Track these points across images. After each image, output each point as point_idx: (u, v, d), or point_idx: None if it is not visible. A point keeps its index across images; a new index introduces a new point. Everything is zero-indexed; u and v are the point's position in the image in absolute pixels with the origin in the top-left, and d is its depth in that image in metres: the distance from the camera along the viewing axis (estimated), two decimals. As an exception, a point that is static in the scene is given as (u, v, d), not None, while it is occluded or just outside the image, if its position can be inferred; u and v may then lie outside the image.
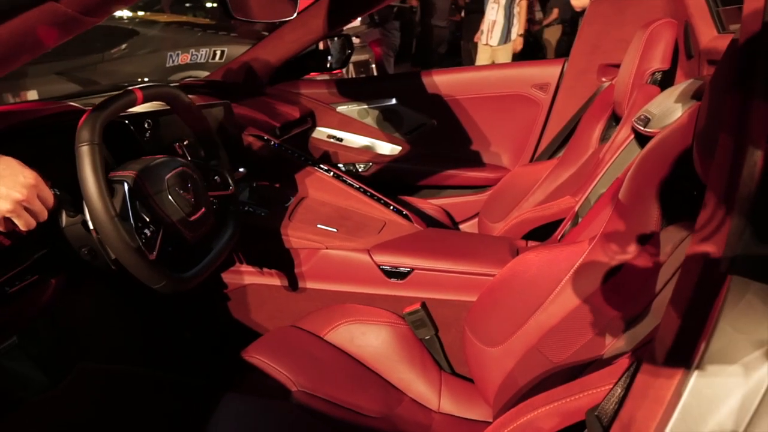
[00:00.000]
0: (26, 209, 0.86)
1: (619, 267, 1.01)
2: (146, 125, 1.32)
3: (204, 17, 5.40)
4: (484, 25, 5.63)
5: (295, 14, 1.40)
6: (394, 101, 2.32)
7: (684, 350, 0.53)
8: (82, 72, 4.38)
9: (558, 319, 1.11)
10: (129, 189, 1.02)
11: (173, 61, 4.16)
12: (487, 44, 5.63)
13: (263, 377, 1.24)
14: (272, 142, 1.67)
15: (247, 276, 1.55)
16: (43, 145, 1.07)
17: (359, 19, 6.28)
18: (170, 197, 1.07)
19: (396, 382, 1.35)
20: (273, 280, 1.52)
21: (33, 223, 0.88)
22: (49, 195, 0.90)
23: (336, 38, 2.51)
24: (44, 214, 0.89)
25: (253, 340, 1.35)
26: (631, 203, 1.04)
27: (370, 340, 1.38)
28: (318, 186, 1.61)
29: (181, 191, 1.10)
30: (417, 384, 1.35)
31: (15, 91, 4.69)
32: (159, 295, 1.05)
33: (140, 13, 5.04)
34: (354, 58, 4.74)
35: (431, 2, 6.46)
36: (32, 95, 4.58)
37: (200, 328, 1.67)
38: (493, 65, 2.65)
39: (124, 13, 5.16)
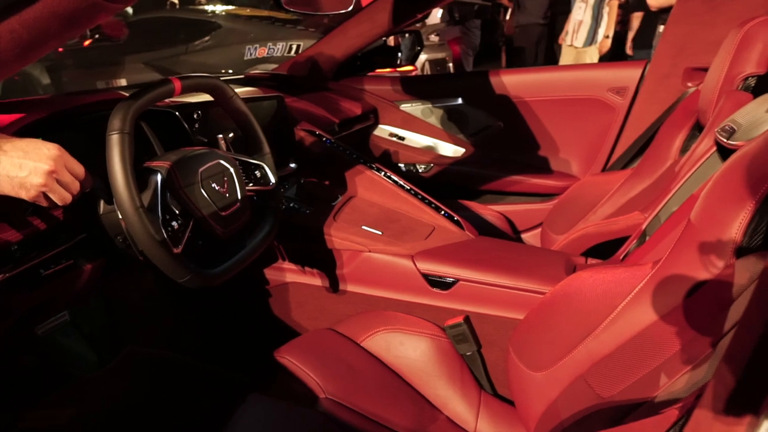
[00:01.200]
0: (57, 182, 0.85)
1: (684, 298, 0.89)
2: (195, 116, 1.31)
3: (285, 12, 5.48)
4: (570, 26, 5.39)
5: (351, 6, 1.35)
6: (459, 101, 2.23)
7: (753, 393, 0.43)
8: (166, 63, 4.56)
9: (610, 349, 0.99)
10: (162, 180, 1.00)
11: (251, 54, 4.24)
12: (571, 45, 5.38)
13: (292, 380, 1.20)
14: (324, 138, 1.63)
15: (288, 274, 1.51)
16: (84, 133, 1.07)
17: (438, 16, 6.19)
18: (202, 190, 1.04)
19: (432, 399, 1.27)
20: (314, 279, 1.48)
21: (68, 197, 0.87)
22: (76, 165, 0.88)
23: (407, 34, 2.45)
24: (76, 185, 0.88)
25: (290, 338, 1.32)
26: (704, 226, 0.91)
27: (407, 351, 1.31)
28: (368, 185, 1.55)
29: (215, 185, 1.07)
30: (454, 402, 1.27)
31: (107, 79, 4.96)
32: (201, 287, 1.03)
33: (226, 7, 5.19)
34: (430, 56, 4.67)
35: None
36: (122, 83, 4.82)
37: (240, 322, 1.66)
38: (566, 66, 2.50)
39: (210, 7, 5.34)
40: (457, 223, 1.49)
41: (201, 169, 1.05)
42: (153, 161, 1.04)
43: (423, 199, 1.53)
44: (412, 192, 1.54)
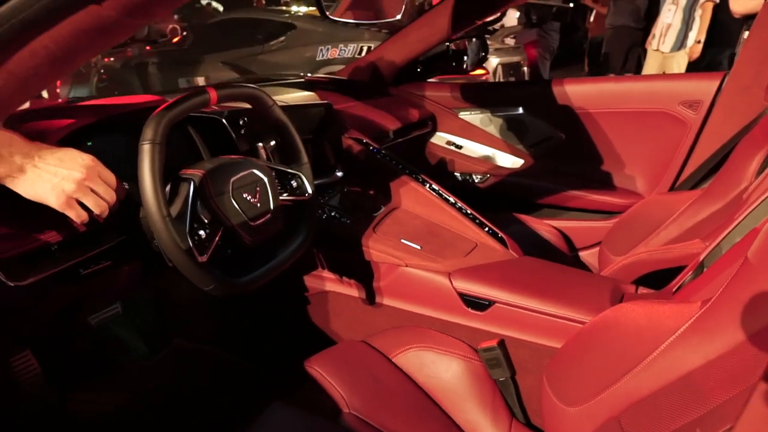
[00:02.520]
0: (91, 190, 0.89)
1: (734, 344, 0.80)
2: (241, 122, 1.33)
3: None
4: (657, 29, 5.10)
5: (400, 15, 1.32)
6: (520, 110, 2.15)
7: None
8: (243, 62, 4.71)
9: (649, 390, 0.92)
10: (194, 188, 1.01)
11: (323, 55, 4.30)
12: (657, 50, 5.09)
13: (318, 391, 1.19)
14: (372, 147, 1.61)
15: (327, 282, 1.51)
16: (128, 138, 1.11)
17: (516, 18, 6.04)
18: (233, 200, 1.05)
19: (461, 423, 1.23)
20: (351, 290, 1.47)
21: (103, 204, 0.90)
22: (109, 175, 0.92)
23: (474, 39, 2.40)
24: (110, 193, 0.92)
25: (324, 346, 1.31)
26: (763, 266, 0.82)
27: (439, 371, 1.27)
28: (412, 197, 1.52)
29: (246, 194, 1.07)
30: (484, 428, 1.22)
31: (189, 76, 5.19)
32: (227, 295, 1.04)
33: (303, 9, 5.30)
34: (504, 59, 4.57)
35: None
36: (201, 81, 5.03)
37: (281, 325, 1.68)
38: (634, 77, 2.35)
39: (288, 8, 5.47)
40: (501, 240, 1.44)
41: (233, 179, 1.06)
42: (188, 169, 1.06)
43: (467, 214, 1.48)
44: (457, 206, 1.50)
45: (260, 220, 1.09)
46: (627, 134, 1.98)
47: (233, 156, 1.14)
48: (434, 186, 1.55)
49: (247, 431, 1.06)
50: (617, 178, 2.05)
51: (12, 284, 0.93)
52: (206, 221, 1.02)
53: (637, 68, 5.67)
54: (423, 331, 1.34)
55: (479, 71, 4.49)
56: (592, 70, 6.47)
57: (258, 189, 1.10)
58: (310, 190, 1.23)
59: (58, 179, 0.85)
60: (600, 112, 2.00)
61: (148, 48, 5.40)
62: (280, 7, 5.70)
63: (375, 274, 1.42)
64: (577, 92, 2.02)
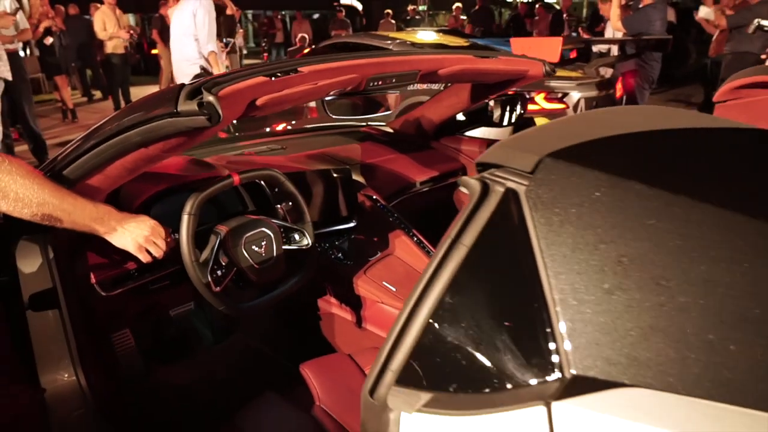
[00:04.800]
0: (153, 242, 1.42)
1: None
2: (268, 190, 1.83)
3: (463, 42, 5.87)
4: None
5: (396, 115, 1.71)
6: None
7: None
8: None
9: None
10: (220, 240, 1.52)
11: (414, 85, 4.73)
12: None
13: (303, 388, 1.65)
14: (379, 204, 2.04)
15: (333, 306, 1.98)
16: (179, 203, 1.63)
17: (614, 49, 6.04)
18: (244, 250, 1.55)
19: None
20: (346, 314, 1.92)
21: (160, 251, 1.43)
22: (164, 231, 1.43)
23: (508, 98, 2.72)
24: (163, 244, 1.43)
25: (325, 353, 1.75)
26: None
27: None
28: (403, 247, 1.94)
29: (255, 246, 1.57)
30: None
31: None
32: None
33: (405, 36, 5.74)
34: (585, 94, 4.69)
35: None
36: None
37: (304, 332, 2.16)
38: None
39: (395, 34, 5.94)
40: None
41: (246, 235, 1.56)
42: (221, 225, 1.57)
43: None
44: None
45: (264, 265, 1.58)
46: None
47: (253, 216, 1.64)
48: (422, 239, 1.95)
49: (242, 411, 1.54)
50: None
51: (104, 294, 1.50)
52: (224, 263, 1.52)
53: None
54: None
55: (559, 105, 4.69)
56: (711, 94, 6.28)
57: (264, 243, 1.59)
58: (309, 242, 1.70)
59: (134, 236, 1.39)
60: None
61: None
62: (386, 33, 6.19)
63: (362, 305, 1.86)
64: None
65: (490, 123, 2.76)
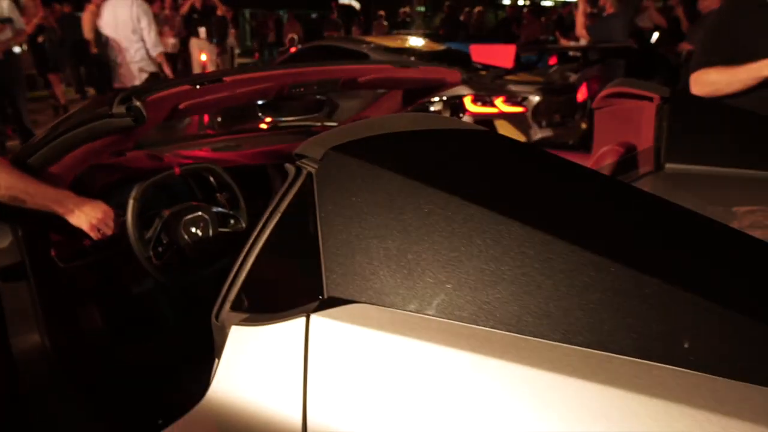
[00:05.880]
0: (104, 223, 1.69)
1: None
2: (211, 179, 2.11)
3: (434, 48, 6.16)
4: None
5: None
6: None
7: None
8: (320, 86, 5.54)
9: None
10: (162, 222, 1.80)
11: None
12: None
13: None
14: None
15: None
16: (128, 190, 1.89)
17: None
18: (182, 230, 1.83)
19: None
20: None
21: (109, 231, 1.71)
22: (114, 214, 1.70)
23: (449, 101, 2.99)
24: (112, 225, 1.71)
25: None
26: None
27: None
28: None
29: (193, 228, 1.85)
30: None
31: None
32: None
33: (380, 41, 6.03)
34: (542, 98, 4.96)
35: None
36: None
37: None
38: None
39: (370, 39, 6.23)
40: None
41: (186, 217, 1.84)
42: (166, 209, 1.84)
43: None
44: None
45: (200, 244, 1.86)
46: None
47: (195, 203, 1.92)
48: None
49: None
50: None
51: (63, 266, 1.79)
52: (164, 241, 1.80)
53: None
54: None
55: (517, 108, 4.96)
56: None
57: (201, 224, 1.87)
58: (244, 226, 1.98)
59: (88, 217, 1.67)
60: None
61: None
62: (362, 38, 6.48)
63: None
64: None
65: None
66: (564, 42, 8.26)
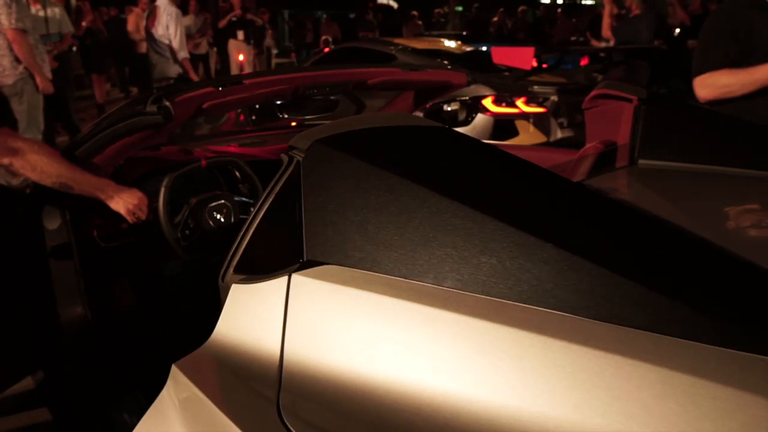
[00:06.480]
0: (140, 209, 1.94)
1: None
2: (236, 172, 2.34)
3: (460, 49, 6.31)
4: None
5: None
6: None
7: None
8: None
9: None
10: (189, 209, 2.03)
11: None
12: None
13: None
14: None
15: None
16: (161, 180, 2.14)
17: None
18: (207, 216, 2.05)
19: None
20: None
21: (143, 216, 1.95)
22: (146, 201, 1.95)
23: (458, 103, 3.17)
24: (146, 210, 1.95)
25: None
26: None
27: None
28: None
29: (216, 214, 2.07)
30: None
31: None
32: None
33: (410, 43, 6.21)
34: (563, 98, 5.06)
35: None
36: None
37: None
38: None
39: (399, 41, 6.42)
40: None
41: (210, 205, 2.07)
42: (193, 198, 2.08)
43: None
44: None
45: (223, 230, 2.08)
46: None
47: (219, 192, 2.15)
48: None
49: None
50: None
51: (103, 245, 2.04)
52: (191, 225, 2.03)
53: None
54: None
55: (538, 108, 5.08)
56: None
57: (224, 211, 2.10)
58: (262, 213, 2.20)
59: (125, 202, 1.91)
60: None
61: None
62: (390, 39, 6.67)
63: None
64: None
65: (451, 123, 3.22)
66: (594, 43, 8.28)
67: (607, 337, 0.75)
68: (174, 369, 1.04)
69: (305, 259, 1.02)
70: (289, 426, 0.83)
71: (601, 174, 1.67)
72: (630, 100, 1.82)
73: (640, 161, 1.70)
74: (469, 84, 2.50)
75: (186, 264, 2.64)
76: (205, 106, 1.71)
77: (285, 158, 1.17)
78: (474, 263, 0.84)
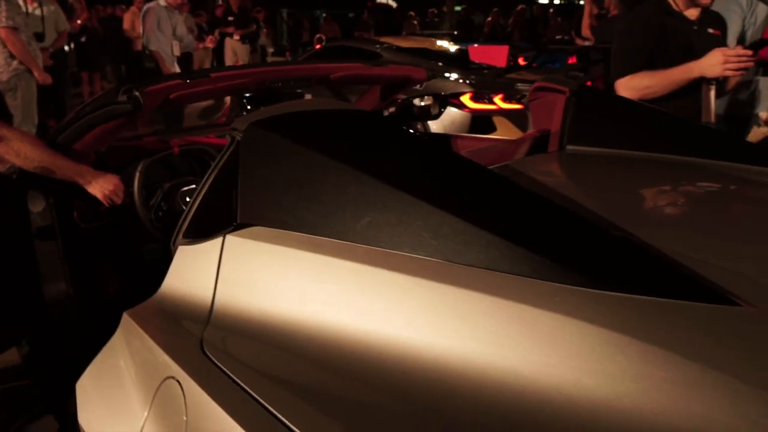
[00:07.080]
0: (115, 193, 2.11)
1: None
2: (206, 158, 2.51)
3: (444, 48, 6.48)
4: None
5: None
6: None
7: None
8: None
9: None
10: (162, 193, 2.21)
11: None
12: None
13: None
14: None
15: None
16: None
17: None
18: (179, 200, 2.23)
19: None
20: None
21: (119, 200, 2.12)
22: (122, 186, 2.12)
23: (427, 97, 3.33)
24: (122, 195, 2.12)
25: None
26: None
27: None
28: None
29: (187, 197, 2.24)
30: None
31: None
32: None
33: (393, 40, 6.38)
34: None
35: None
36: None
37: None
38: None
39: (385, 40, 6.59)
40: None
41: (181, 189, 2.24)
42: (166, 183, 2.25)
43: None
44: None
45: None
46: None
47: (190, 177, 2.32)
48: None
49: None
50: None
51: (83, 226, 2.21)
52: (165, 208, 2.21)
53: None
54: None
55: (515, 105, 5.25)
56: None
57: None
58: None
59: (102, 187, 2.08)
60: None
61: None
62: (377, 38, 6.84)
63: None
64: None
65: (421, 117, 3.38)
66: (579, 42, 8.45)
67: (467, 278, 0.92)
68: (125, 316, 1.21)
69: (237, 222, 1.20)
70: (208, 354, 1.01)
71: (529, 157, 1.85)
72: (563, 92, 1.99)
73: (568, 147, 1.87)
74: (429, 79, 2.67)
75: (166, 249, 2.81)
76: (172, 96, 1.88)
77: (228, 138, 1.34)
78: (372, 222, 1.01)
